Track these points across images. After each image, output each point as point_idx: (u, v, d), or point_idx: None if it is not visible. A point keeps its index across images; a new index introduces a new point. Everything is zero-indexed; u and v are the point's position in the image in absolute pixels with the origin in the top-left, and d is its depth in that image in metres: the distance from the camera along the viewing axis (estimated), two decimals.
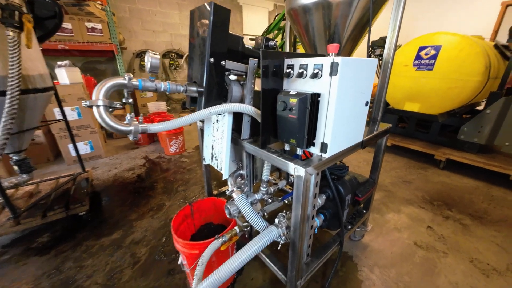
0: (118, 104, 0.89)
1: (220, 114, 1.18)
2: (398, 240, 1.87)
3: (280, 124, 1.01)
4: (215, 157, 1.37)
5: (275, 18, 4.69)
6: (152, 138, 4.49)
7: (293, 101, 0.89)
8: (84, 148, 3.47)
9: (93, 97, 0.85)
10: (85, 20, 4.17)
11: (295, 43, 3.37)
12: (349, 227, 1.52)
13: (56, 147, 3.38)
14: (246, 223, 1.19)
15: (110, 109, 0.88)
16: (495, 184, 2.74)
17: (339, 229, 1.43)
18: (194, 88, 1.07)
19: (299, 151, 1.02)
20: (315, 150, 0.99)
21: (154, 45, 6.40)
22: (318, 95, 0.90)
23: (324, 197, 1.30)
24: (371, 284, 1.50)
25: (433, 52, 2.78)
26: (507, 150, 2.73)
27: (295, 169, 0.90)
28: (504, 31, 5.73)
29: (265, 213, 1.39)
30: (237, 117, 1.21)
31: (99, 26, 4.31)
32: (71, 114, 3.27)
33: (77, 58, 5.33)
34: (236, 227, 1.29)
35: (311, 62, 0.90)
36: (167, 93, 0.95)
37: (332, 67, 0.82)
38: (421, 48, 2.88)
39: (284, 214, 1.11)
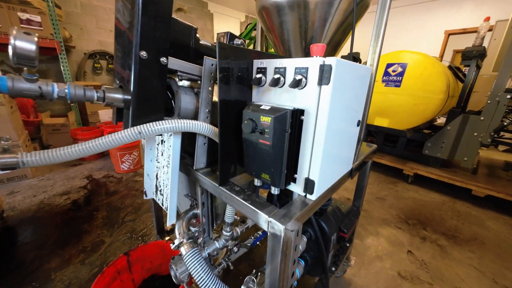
0: None
1: (161, 135, 0.83)
2: (381, 272, 1.68)
3: (247, 152, 0.70)
4: (160, 190, 0.99)
5: (246, 27, 4.52)
6: (102, 152, 3.79)
7: (266, 120, 0.60)
8: None
9: None
10: (17, 9, 3.45)
11: (267, 50, 3.19)
12: (333, 269, 1.25)
13: None
14: None
15: None
16: (458, 198, 2.83)
17: (323, 275, 1.14)
18: (119, 96, 0.70)
19: (274, 190, 0.72)
20: (296, 189, 0.70)
21: (111, 46, 5.70)
22: (302, 111, 0.62)
23: (305, 239, 1.01)
24: None
25: (400, 69, 2.84)
26: (466, 165, 2.85)
27: (269, 224, 0.59)
28: (448, 55, 6.53)
29: (230, 263, 1.04)
30: (191, 138, 0.88)
31: (37, 18, 3.62)
32: None
33: (6, 54, 4.40)
34: None
35: (290, 64, 0.62)
36: (68, 101, 0.58)
37: (322, 73, 0.56)
38: (389, 65, 2.93)
39: (253, 278, 0.78)
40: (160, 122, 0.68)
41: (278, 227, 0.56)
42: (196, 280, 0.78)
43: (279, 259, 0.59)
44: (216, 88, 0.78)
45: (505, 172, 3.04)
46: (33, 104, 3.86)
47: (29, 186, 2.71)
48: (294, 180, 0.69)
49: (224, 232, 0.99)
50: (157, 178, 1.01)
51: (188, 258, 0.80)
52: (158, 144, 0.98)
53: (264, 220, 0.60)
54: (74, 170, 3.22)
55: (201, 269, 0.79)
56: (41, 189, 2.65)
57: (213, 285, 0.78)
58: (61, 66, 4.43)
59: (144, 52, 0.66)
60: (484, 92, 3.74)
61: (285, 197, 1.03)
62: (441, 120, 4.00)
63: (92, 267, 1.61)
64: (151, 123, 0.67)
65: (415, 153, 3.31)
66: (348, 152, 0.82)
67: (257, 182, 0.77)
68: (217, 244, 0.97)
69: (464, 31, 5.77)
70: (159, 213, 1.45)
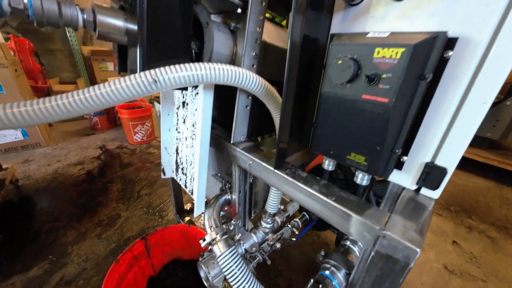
0: None
1: (187, 89, 0.57)
2: (426, 264, 1.48)
3: (326, 119, 0.43)
4: (182, 169, 0.77)
5: None
6: (114, 121, 3.65)
7: (390, 55, 0.31)
8: (12, 133, 2.60)
9: None
10: None
11: None
12: None
13: None
14: None
15: None
16: (506, 184, 2.50)
17: None
18: (118, 23, 0.44)
19: (362, 180, 0.46)
20: (401, 179, 0.44)
21: None
22: (452, 42, 0.33)
23: None
24: None
25: None
26: None
27: (380, 241, 0.34)
28: None
29: (267, 257, 0.85)
30: (223, 99, 0.62)
31: None
32: None
33: None
34: None
35: None
36: (33, 19, 0.30)
37: None
38: None
39: None
40: (187, 65, 0.42)
41: (403, 249, 0.32)
42: None
43: None
44: (266, 25, 0.49)
45: None
46: (40, 70, 3.66)
47: (43, 155, 2.63)
48: (400, 166, 0.43)
49: (263, 224, 0.77)
50: (177, 153, 0.78)
51: (225, 261, 0.60)
52: (178, 108, 0.73)
53: (370, 231, 0.36)
54: (87, 140, 3.11)
55: (242, 276, 0.59)
56: (55, 158, 2.57)
57: None
58: (66, 28, 4.11)
59: None
60: None
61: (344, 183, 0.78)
62: None
63: (109, 243, 1.52)
64: (173, 66, 0.41)
65: None
66: None
67: (329, 166, 0.51)
68: (255, 238, 0.76)
69: None
70: (178, 192, 1.26)
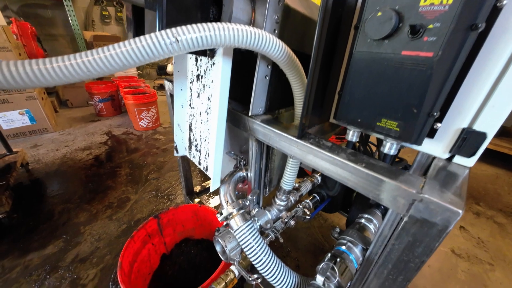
0: None
1: (205, 56, 0.55)
2: None
3: (357, 82, 0.41)
4: (196, 146, 0.76)
5: None
6: (119, 108, 3.64)
7: (439, 1, 0.28)
8: (20, 119, 2.61)
9: None
10: None
11: None
12: None
13: None
14: (256, 276, 0.64)
15: None
16: None
17: None
18: None
19: (390, 149, 0.45)
20: (431, 148, 0.42)
21: None
22: None
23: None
24: None
25: None
26: None
27: (416, 205, 0.33)
28: None
29: (279, 235, 0.85)
30: (238, 71, 0.59)
31: None
32: None
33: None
34: (233, 268, 0.75)
35: None
36: None
37: None
38: None
39: (333, 266, 0.57)
40: (210, 25, 0.39)
41: (443, 211, 0.31)
42: (255, 263, 0.59)
43: (416, 262, 0.35)
44: None
45: None
46: (44, 55, 3.62)
47: (51, 140, 2.66)
48: (432, 134, 0.41)
49: (278, 201, 0.77)
50: (190, 130, 0.77)
51: (242, 234, 0.60)
52: (191, 82, 0.70)
53: (404, 195, 0.34)
54: (93, 126, 3.12)
55: (259, 249, 0.59)
56: (63, 144, 2.59)
57: (277, 271, 0.59)
58: (67, 12, 4.03)
59: None
60: None
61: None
62: None
63: (120, 224, 1.55)
64: (196, 25, 0.38)
65: None
66: None
67: (353, 137, 0.50)
68: (269, 215, 0.76)
69: None
70: (188, 173, 1.26)
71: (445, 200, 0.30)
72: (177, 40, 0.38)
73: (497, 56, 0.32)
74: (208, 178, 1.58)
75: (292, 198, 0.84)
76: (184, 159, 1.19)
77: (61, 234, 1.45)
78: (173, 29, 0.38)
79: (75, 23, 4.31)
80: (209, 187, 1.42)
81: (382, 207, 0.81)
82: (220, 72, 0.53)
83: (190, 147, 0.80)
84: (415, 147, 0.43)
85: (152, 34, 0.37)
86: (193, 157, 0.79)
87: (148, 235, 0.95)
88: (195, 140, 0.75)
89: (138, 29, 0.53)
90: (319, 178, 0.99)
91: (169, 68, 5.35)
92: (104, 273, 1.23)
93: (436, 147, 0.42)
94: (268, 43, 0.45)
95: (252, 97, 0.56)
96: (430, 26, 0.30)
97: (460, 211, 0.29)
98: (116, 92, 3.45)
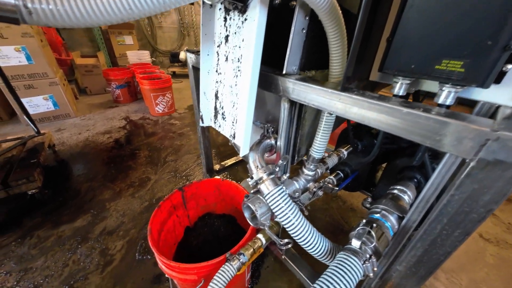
0: None
1: (238, 10, 0.52)
2: None
3: (416, 18, 0.37)
4: (222, 114, 0.74)
5: None
6: (135, 95, 3.71)
7: None
8: (44, 104, 2.72)
9: None
10: None
11: None
12: None
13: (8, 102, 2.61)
14: (287, 240, 0.64)
15: None
16: None
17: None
18: None
19: (446, 98, 0.41)
20: (500, 97, 0.38)
21: None
22: None
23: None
24: None
25: None
26: None
27: (489, 145, 0.30)
28: None
29: (304, 208, 0.84)
30: (271, 30, 0.56)
31: None
32: (17, 57, 2.42)
33: None
34: (261, 236, 0.75)
35: None
36: None
37: None
38: None
39: (369, 230, 0.55)
40: None
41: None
42: (287, 227, 0.59)
43: (481, 212, 0.32)
44: None
45: None
46: (62, 43, 3.71)
47: (73, 125, 2.76)
48: (500, 79, 0.36)
49: (306, 171, 0.75)
50: (216, 98, 0.75)
51: (273, 198, 0.59)
52: (219, 46, 0.68)
53: (475, 135, 0.31)
54: (111, 111, 3.20)
55: (291, 213, 0.58)
56: (85, 128, 2.68)
57: (310, 235, 0.58)
58: None
59: None
60: None
61: None
62: None
63: (142, 201, 1.60)
64: None
65: None
66: None
67: (400, 89, 0.46)
68: (296, 185, 0.75)
69: None
70: (208, 151, 1.27)
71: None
72: None
73: None
74: (225, 158, 1.58)
75: (319, 170, 0.82)
76: (205, 136, 1.19)
77: (89, 209, 1.53)
78: None
79: None
80: (228, 166, 1.42)
81: (416, 179, 0.78)
82: (255, 26, 0.50)
83: (216, 116, 0.78)
84: (477, 94, 0.39)
85: None
86: (219, 126, 0.78)
87: (173, 207, 0.97)
88: (221, 108, 0.74)
89: None
90: (345, 153, 0.95)
91: (182, 55, 5.33)
92: (130, 245, 1.29)
93: (502, 94, 0.37)
94: None
95: (287, 53, 0.53)
96: None
97: None
98: (132, 78, 3.50)
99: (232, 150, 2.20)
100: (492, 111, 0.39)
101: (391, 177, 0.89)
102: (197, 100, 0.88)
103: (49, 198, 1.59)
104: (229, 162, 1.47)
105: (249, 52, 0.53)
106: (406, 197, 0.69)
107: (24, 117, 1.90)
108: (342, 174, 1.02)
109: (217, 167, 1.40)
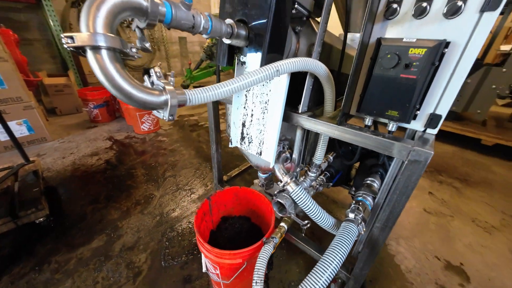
0: (134, 49, 0.45)
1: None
2: (410, 210, 1.92)
3: (374, 90, 0.71)
4: (249, 138, 1.02)
5: None
6: (113, 113, 3.66)
7: (418, 52, 0.60)
8: (18, 129, 2.58)
9: (83, 28, 0.40)
10: None
11: None
12: None
13: None
14: (307, 221, 0.93)
15: (122, 56, 0.45)
16: (467, 148, 3.06)
17: None
18: (243, 32, 0.66)
19: (392, 127, 0.76)
20: (415, 125, 0.74)
21: None
22: (447, 44, 0.62)
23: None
24: (403, 257, 1.48)
25: None
26: (478, 118, 3.01)
27: (411, 153, 0.64)
28: None
29: None
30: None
31: None
32: None
33: None
34: (283, 224, 1.03)
35: None
36: (206, 37, 0.54)
37: None
38: None
39: (357, 206, 0.88)
40: (295, 59, 0.67)
41: (424, 154, 0.62)
42: (307, 211, 0.88)
43: (411, 182, 0.67)
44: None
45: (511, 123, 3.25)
46: (27, 63, 3.49)
47: (53, 149, 2.66)
48: (415, 117, 0.73)
49: (310, 174, 1.07)
50: (244, 126, 1.03)
51: (298, 194, 0.89)
52: (247, 91, 0.97)
53: (405, 149, 0.65)
54: (92, 132, 3.14)
55: (310, 203, 0.88)
56: (67, 151, 2.62)
57: (322, 215, 0.89)
58: (47, 15, 3.88)
59: None
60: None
61: None
62: None
63: (153, 216, 1.73)
64: (288, 60, 0.66)
65: None
66: None
67: (369, 122, 0.81)
68: (305, 184, 1.06)
69: None
70: (219, 165, 1.51)
71: (426, 148, 0.62)
72: (277, 70, 0.65)
73: (444, 75, 0.65)
74: (227, 171, 1.81)
75: (317, 173, 1.14)
76: (219, 153, 1.44)
77: (101, 230, 1.60)
78: (274, 64, 0.64)
79: (57, 26, 4.15)
80: (233, 176, 1.67)
81: (380, 172, 1.15)
82: (283, 86, 0.80)
83: (242, 139, 1.06)
84: (405, 125, 0.75)
85: (264, 68, 0.63)
86: (245, 146, 1.05)
87: (203, 213, 1.19)
88: (247, 134, 1.02)
89: (229, 59, 0.78)
90: (331, 158, 1.30)
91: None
92: (154, 256, 1.43)
93: (416, 124, 0.74)
94: (317, 66, 0.74)
95: (302, 100, 0.84)
96: (414, 63, 0.61)
97: (432, 153, 0.61)
98: (110, 97, 3.47)
99: (227, 164, 2.43)
100: (413, 134, 0.76)
101: (364, 172, 1.26)
102: (228, 126, 1.13)
103: (55, 225, 1.61)
104: (234, 173, 1.72)
105: (278, 99, 0.83)
106: (375, 184, 1.06)
107: (3, 144, 1.85)
108: (329, 174, 1.37)
109: (225, 178, 1.64)
